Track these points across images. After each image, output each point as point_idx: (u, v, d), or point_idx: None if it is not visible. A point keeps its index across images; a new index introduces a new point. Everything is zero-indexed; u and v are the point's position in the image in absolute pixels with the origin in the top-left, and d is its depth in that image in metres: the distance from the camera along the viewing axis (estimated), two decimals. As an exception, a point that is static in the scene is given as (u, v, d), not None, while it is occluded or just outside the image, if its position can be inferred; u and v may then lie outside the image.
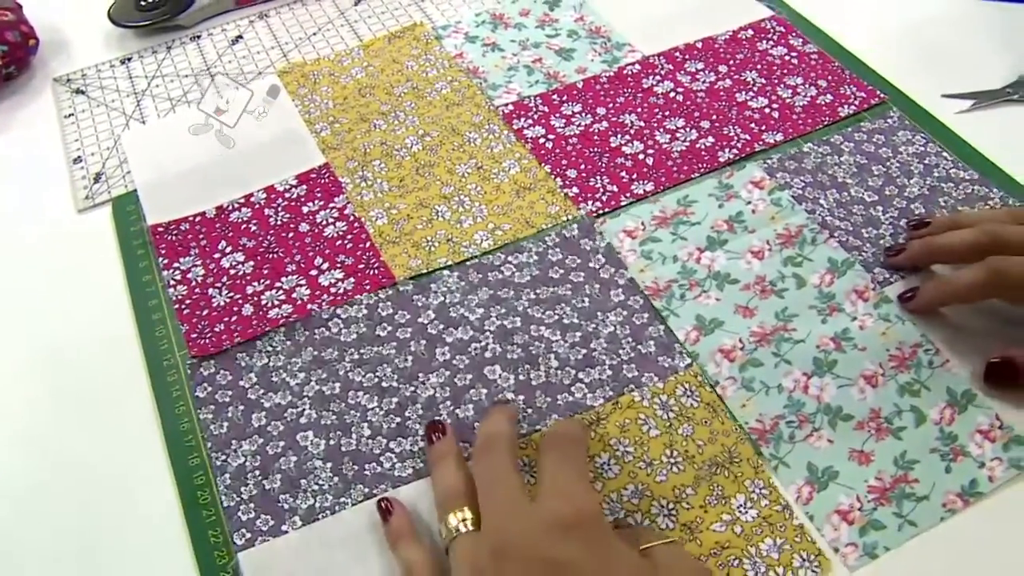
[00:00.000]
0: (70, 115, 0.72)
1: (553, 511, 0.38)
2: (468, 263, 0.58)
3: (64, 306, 0.58)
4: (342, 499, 0.48)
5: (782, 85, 0.69)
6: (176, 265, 0.59)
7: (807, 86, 0.69)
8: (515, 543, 0.38)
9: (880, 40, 0.73)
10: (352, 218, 0.61)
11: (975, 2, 0.76)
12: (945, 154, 0.63)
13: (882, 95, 0.67)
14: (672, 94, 0.69)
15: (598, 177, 0.63)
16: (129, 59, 0.77)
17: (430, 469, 0.47)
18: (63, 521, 0.48)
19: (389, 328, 0.55)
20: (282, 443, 0.50)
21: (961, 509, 0.45)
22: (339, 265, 0.58)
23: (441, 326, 0.54)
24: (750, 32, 0.74)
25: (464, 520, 0.42)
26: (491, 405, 0.50)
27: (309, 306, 0.56)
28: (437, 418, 0.50)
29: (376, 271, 0.58)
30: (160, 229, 0.61)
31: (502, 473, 0.42)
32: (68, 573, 0.47)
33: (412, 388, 0.52)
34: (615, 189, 0.62)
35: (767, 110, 0.67)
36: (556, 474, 0.41)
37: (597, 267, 0.57)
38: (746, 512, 0.46)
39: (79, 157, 0.68)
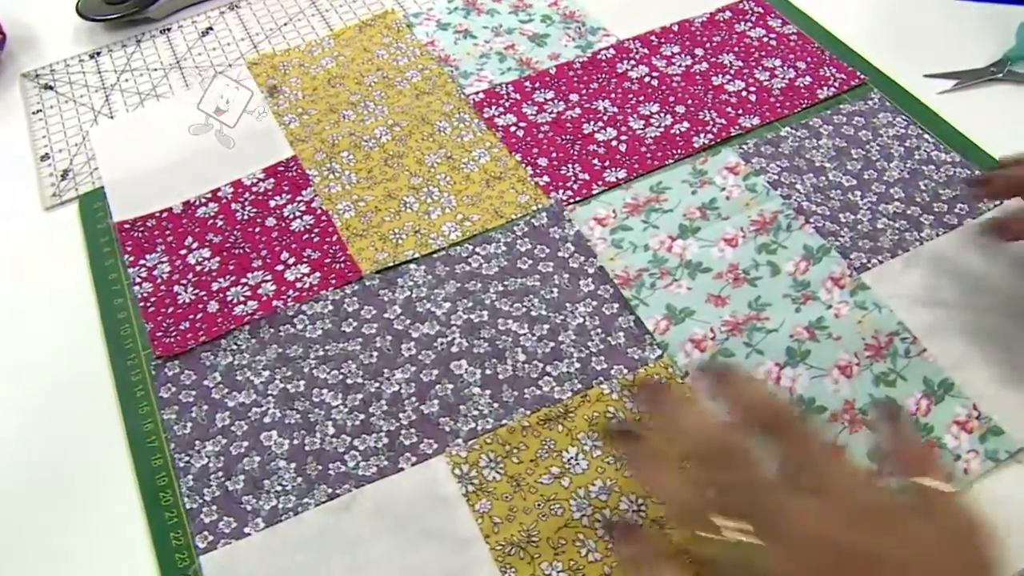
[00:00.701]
0: (38, 111, 0.71)
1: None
2: (435, 255, 0.57)
3: (30, 305, 0.58)
4: (305, 500, 0.47)
5: (760, 68, 0.67)
6: (142, 262, 0.58)
7: (785, 68, 0.67)
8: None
9: (861, 20, 0.72)
10: (319, 211, 0.60)
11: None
12: (927, 136, 0.61)
13: (863, 76, 0.66)
14: (647, 79, 0.67)
15: (570, 165, 0.61)
16: (98, 53, 0.76)
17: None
18: (23, 520, 0.48)
19: (355, 324, 0.54)
20: (246, 443, 0.49)
21: (935, 500, 0.44)
22: (305, 260, 0.57)
23: (407, 321, 0.53)
24: (728, 14, 0.72)
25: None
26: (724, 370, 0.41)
27: (274, 303, 0.55)
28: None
29: (342, 265, 0.57)
30: (127, 226, 0.60)
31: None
32: (28, 574, 0.46)
33: (377, 384, 0.51)
34: (587, 177, 0.60)
35: (744, 93, 0.65)
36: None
37: (566, 256, 0.56)
38: (716, 507, 0.45)
39: (47, 154, 0.67)
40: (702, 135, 0.62)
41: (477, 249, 0.57)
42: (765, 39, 0.70)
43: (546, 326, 0.52)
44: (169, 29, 0.77)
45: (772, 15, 0.72)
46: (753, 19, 0.72)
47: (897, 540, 0.32)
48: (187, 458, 0.49)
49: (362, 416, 0.49)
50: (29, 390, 0.53)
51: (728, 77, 0.67)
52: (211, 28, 0.77)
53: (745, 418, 0.37)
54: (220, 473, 0.48)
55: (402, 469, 0.47)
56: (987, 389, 0.48)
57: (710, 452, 0.36)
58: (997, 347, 0.49)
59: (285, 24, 0.77)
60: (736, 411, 0.37)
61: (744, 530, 0.33)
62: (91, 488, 0.49)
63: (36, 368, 0.54)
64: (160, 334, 0.54)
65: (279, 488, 0.47)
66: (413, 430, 0.49)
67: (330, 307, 0.55)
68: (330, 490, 0.47)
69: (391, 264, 0.56)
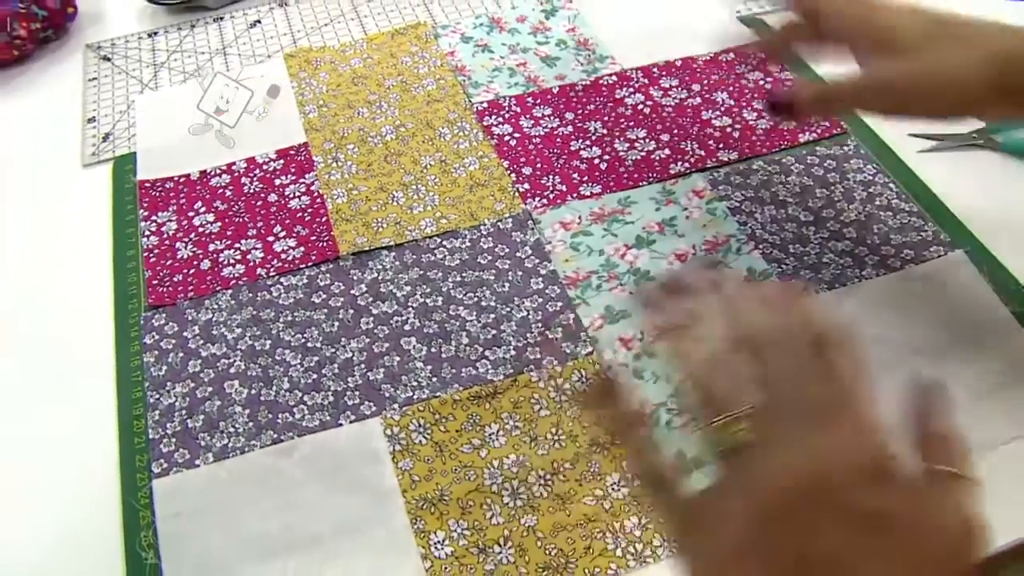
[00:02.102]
0: (93, 79, 0.79)
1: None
2: (406, 245, 0.62)
3: (55, 250, 0.65)
4: (252, 442, 0.52)
5: (749, 108, 0.71)
6: (154, 218, 0.65)
7: (774, 110, 0.71)
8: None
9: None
10: (316, 194, 0.66)
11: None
12: (891, 185, 0.64)
13: (843, 126, 0.69)
14: (640, 106, 0.72)
15: (550, 176, 0.66)
16: (155, 33, 0.83)
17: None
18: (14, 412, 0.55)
19: (324, 296, 0.59)
20: (210, 388, 0.55)
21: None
22: (294, 235, 0.63)
23: (370, 299, 0.59)
24: (731, 56, 0.76)
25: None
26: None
27: (258, 270, 0.61)
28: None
29: (324, 244, 0.62)
30: (147, 184, 0.67)
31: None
32: (14, 463, 0.53)
33: (333, 350, 0.56)
34: (564, 188, 0.65)
35: (728, 129, 0.69)
36: None
37: (523, 257, 0.60)
38: (618, 490, 0.49)
39: (93, 117, 0.75)
40: (679, 163, 0.67)
41: (444, 243, 0.62)
42: (761, 82, 0.74)
43: (492, 316, 0.57)
44: (222, 18, 0.85)
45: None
46: (754, 63, 0.76)
47: (894, 499, 0.33)
48: (157, 396, 0.55)
49: (315, 376, 0.55)
50: (43, 322, 0.60)
51: (717, 113, 0.71)
52: (259, 21, 0.84)
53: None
54: (184, 411, 0.54)
55: (341, 425, 0.53)
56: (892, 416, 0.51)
57: (765, 341, 0.37)
58: (903, 380, 0.52)
59: (326, 24, 0.84)
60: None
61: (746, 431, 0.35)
62: (79, 407, 0.55)
63: (52, 304, 0.61)
64: (156, 283, 0.61)
65: (232, 430, 0.53)
66: (357, 393, 0.54)
67: (305, 280, 0.60)
68: (276, 436, 0.52)
69: (367, 248, 0.62)
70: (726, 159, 0.67)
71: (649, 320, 0.43)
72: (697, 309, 0.40)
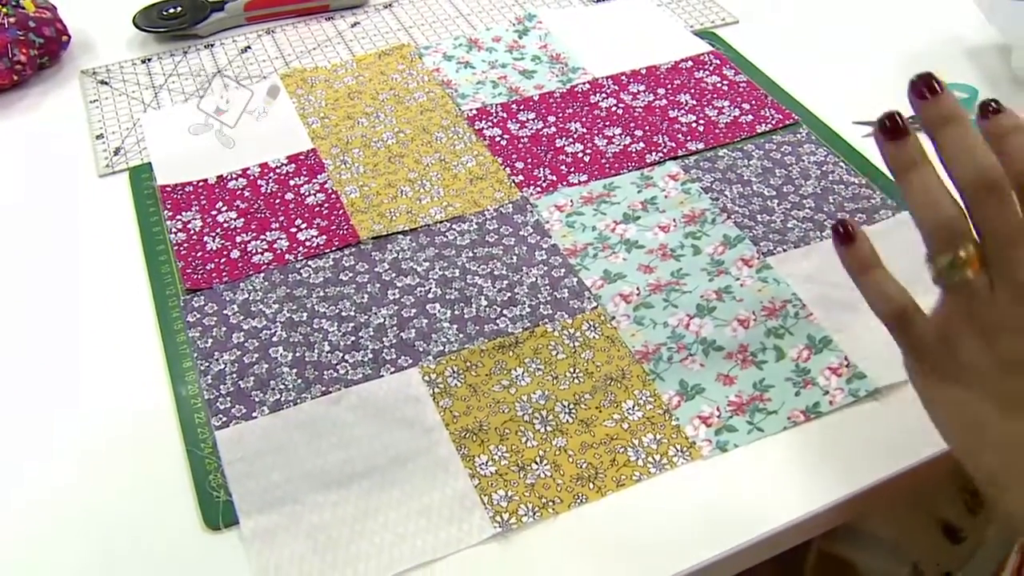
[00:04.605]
0: (94, 101, 0.89)
1: None
2: (419, 230, 0.73)
3: (85, 249, 0.74)
4: (303, 395, 0.62)
5: (710, 106, 0.85)
6: (179, 217, 0.75)
7: (732, 108, 0.85)
8: None
9: (805, 75, 0.89)
10: (330, 191, 0.77)
11: (892, 45, 0.93)
12: (841, 163, 0.78)
13: (796, 117, 0.83)
14: (614, 108, 0.85)
15: (541, 168, 0.78)
16: (149, 59, 0.94)
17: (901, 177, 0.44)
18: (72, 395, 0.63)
19: (350, 275, 0.70)
20: (256, 355, 0.64)
21: (802, 422, 0.59)
22: (315, 226, 0.74)
23: (393, 274, 0.69)
24: (689, 63, 0.90)
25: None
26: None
27: (286, 256, 0.71)
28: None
29: (345, 231, 0.73)
30: (168, 188, 0.77)
31: None
32: (85, 434, 0.61)
33: (366, 317, 0.66)
34: (554, 178, 0.77)
35: (694, 124, 0.83)
36: None
37: (526, 235, 0.72)
38: (633, 413, 0.60)
39: (101, 134, 0.85)
40: (654, 153, 0.80)
41: (453, 226, 0.73)
42: (719, 85, 0.88)
43: (505, 282, 0.68)
44: (212, 45, 0.96)
45: (727, 66, 0.90)
46: (711, 68, 0.90)
47: None
48: (207, 364, 0.64)
49: (352, 339, 0.65)
50: (85, 316, 0.69)
51: (683, 111, 0.84)
52: (249, 47, 0.95)
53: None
54: (234, 375, 0.63)
55: (382, 376, 0.63)
56: (857, 346, 0.63)
57: (992, 185, 0.40)
58: (868, 318, 0.64)
59: (314, 49, 0.95)
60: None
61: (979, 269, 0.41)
62: (133, 381, 0.64)
63: (90, 295, 0.70)
64: (190, 271, 0.70)
65: (282, 387, 0.62)
66: (393, 349, 0.64)
67: (331, 263, 0.71)
68: (324, 388, 0.62)
69: (384, 234, 0.73)
70: (695, 149, 0.80)
71: (889, 150, 0.45)
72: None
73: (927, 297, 0.48)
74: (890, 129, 0.43)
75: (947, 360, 0.46)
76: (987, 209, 0.41)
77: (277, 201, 0.76)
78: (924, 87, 0.43)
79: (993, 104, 0.43)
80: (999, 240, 0.41)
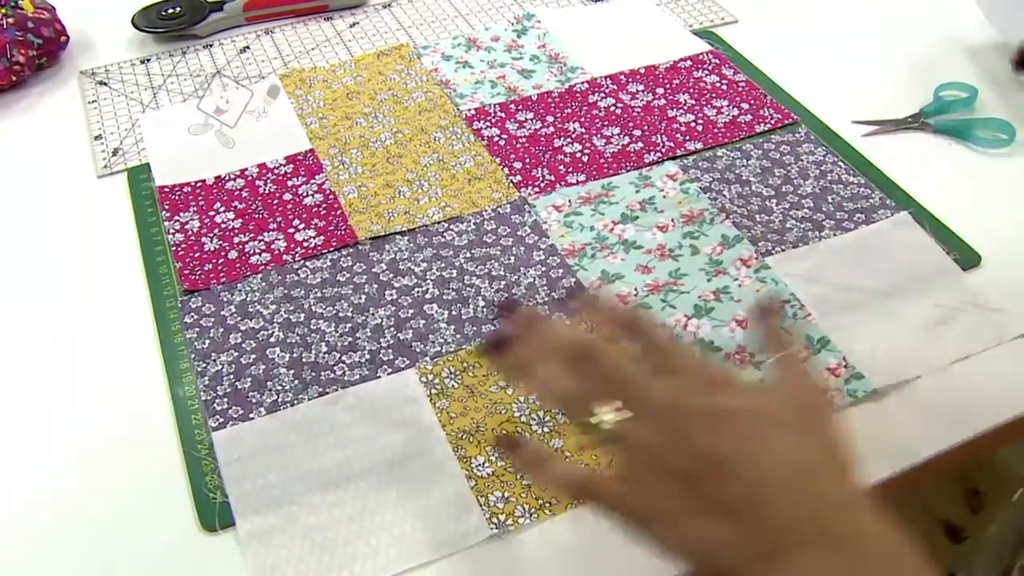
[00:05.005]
0: (93, 102, 0.89)
1: None
2: (417, 230, 0.73)
3: (82, 248, 0.74)
4: (300, 396, 0.62)
5: (709, 106, 0.85)
6: (176, 218, 0.75)
7: (731, 107, 0.85)
8: None
9: (804, 75, 0.90)
10: (328, 192, 0.77)
11: (892, 45, 0.93)
12: (840, 163, 0.78)
13: (794, 116, 0.83)
14: (612, 108, 0.85)
15: (540, 169, 0.79)
16: (148, 60, 0.94)
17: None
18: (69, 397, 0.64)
19: (348, 275, 0.70)
20: (253, 356, 0.65)
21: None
22: (313, 226, 0.74)
23: (391, 275, 0.70)
24: (688, 63, 0.91)
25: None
26: None
27: (284, 257, 0.72)
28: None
29: (343, 232, 0.73)
30: (166, 189, 0.78)
31: None
32: (83, 435, 0.61)
33: (363, 317, 0.67)
34: (552, 178, 0.78)
35: (693, 124, 0.83)
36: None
37: (524, 235, 0.72)
38: (626, 419, 0.60)
39: (99, 135, 0.85)
40: (652, 153, 0.80)
41: (451, 227, 0.74)
42: (718, 84, 0.88)
43: (503, 283, 0.69)
44: (211, 45, 0.96)
45: (727, 66, 0.90)
46: (710, 68, 0.90)
47: (745, 398, 0.42)
48: (204, 365, 0.65)
49: (350, 339, 0.65)
50: (82, 316, 0.69)
51: (681, 111, 0.85)
52: (248, 47, 0.96)
53: (612, 327, 0.47)
54: (231, 376, 0.64)
55: (379, 377, 0.63)
56: (855, 347, 0.63)
57: (583, 352, 0.44)
58: (867, 319, 0.65)
59: (313, 49, 0.96)
60: (605, 325, 0.48)
61: (618, 409, 0.43)
62: (129, 382, 0.64)
63: (88, 296, 0.70)
64: (188, 272, 0.71)
65: (279, 388, 0.63)
66: (391, 350, 0.64)
67: (328, 263, 0.71)
68: (321, 389, 0.62)
69: (382, 234, 0.73)
70: (693, 149, 0.80)
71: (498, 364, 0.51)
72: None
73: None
74: (495, 345, 0.47)
75: (647, 503, 0.44)
76: (594, 369, 0.44)
77: (275, 202, 0.77)
78: (503, 310, 0.51)
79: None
80: (617, 390, 0.44)
